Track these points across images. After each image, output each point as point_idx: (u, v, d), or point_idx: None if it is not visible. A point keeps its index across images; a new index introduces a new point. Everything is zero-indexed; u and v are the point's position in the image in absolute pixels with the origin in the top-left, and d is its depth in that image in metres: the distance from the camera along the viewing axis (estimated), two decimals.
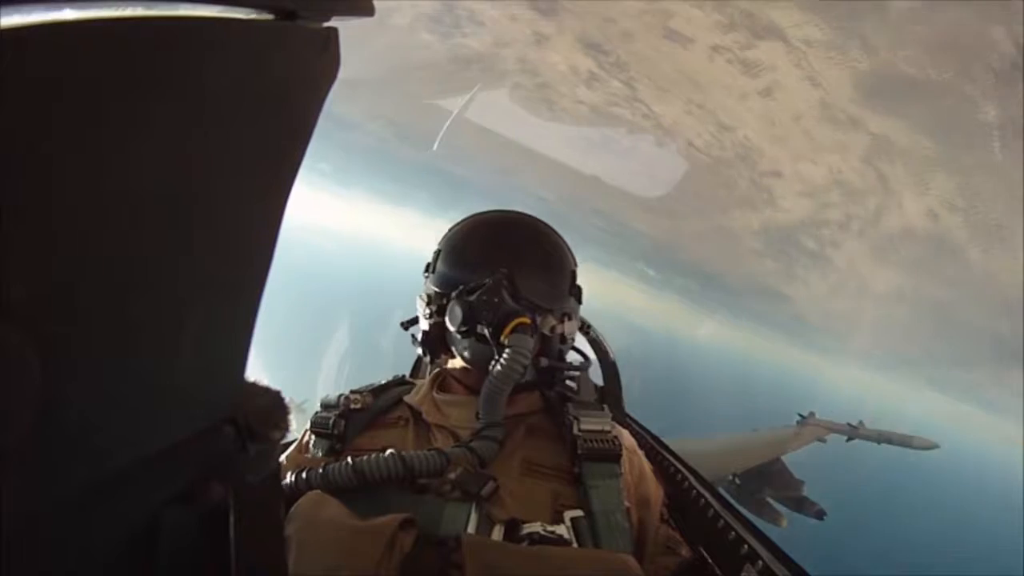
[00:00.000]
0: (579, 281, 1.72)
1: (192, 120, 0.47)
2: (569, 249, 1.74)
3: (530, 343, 1.43)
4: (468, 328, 1.48)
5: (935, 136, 11.69)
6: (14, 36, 0.35)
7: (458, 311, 1.49)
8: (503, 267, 1.51)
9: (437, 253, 1.70)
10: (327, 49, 0.60)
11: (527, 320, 1.45)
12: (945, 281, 18.88)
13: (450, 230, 1.73)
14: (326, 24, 0.60)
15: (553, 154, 18.75)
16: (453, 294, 1.53)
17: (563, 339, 1.62)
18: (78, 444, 0.43)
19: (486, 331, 1.45)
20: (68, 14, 0.39)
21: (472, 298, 1.48)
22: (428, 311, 1.63)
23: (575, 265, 1.73)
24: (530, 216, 1.74)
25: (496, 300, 1.45)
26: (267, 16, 0.54)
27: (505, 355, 1.41)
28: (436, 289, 1.62)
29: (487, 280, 1.48)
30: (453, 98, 16.37)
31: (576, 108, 15.31)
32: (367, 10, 0.66)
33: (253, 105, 0.53)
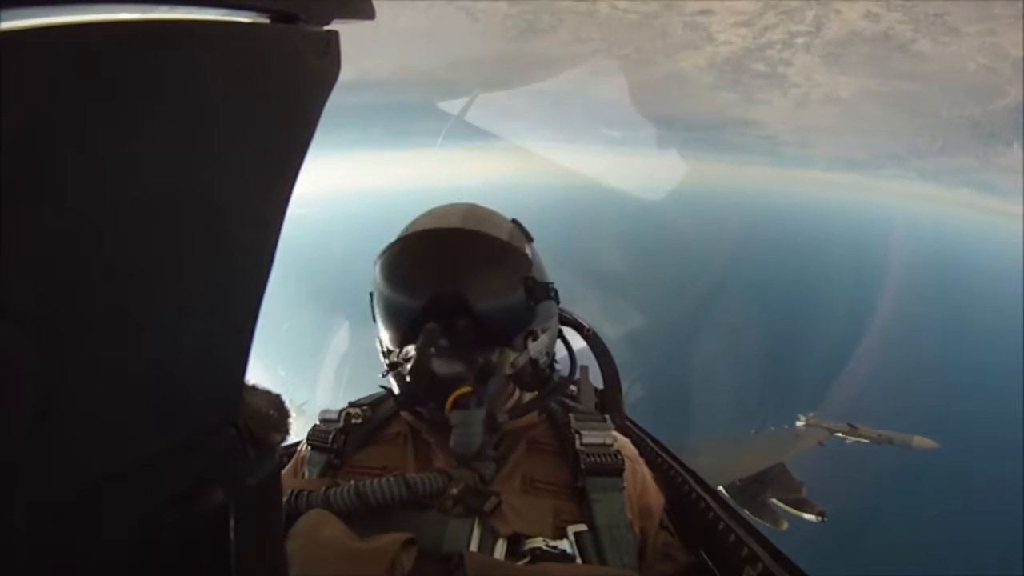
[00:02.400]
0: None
1: (193, 123, 0.47)
2: (519, 239, 1.53)
3: (475, 416, 1.32)
4: (411, 408, 1.45)
5: None
6: (15, 38, 0.35)
7: (395, 387, 1.42)
8: (435, 321, 1.33)
9: (371, 296, 1.52)
10: (327, 52, 0.60)
11: (467, 389, 1.31)
12: (905, 76, 18.94)
13: (376, 262, 1.49)
14: (326, 27, 0.60)
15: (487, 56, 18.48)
16: (385, 363, 1.46)
17: (535, 362, 1.47)
18: (78, 445, 0.43)
19: (427, 409, 1.41)
20: (69, 17, 0.39)
21: (406, 370, 1.33)
22: (385, 369, 1.50)
23: (533, 263, 1.50)
24: (467, 213, 1.50)
25: (430, 369, 1.29)
26: (267, 19, 0.55)
27: (453, 435, 1.33)
28: (382, 343, 1.50)
29: (415, 345, 1.32)
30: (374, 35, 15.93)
31: (494, 8, 14.90)
32: (367, 13, 0.66)
33: (254, 108, 0.54)
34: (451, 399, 1.30)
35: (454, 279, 1.38)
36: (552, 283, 1.55)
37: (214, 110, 0.49)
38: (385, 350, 1.48)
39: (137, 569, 0.50)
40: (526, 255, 1.50)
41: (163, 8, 0.46)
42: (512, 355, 1.42)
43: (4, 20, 0.35)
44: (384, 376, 1.49)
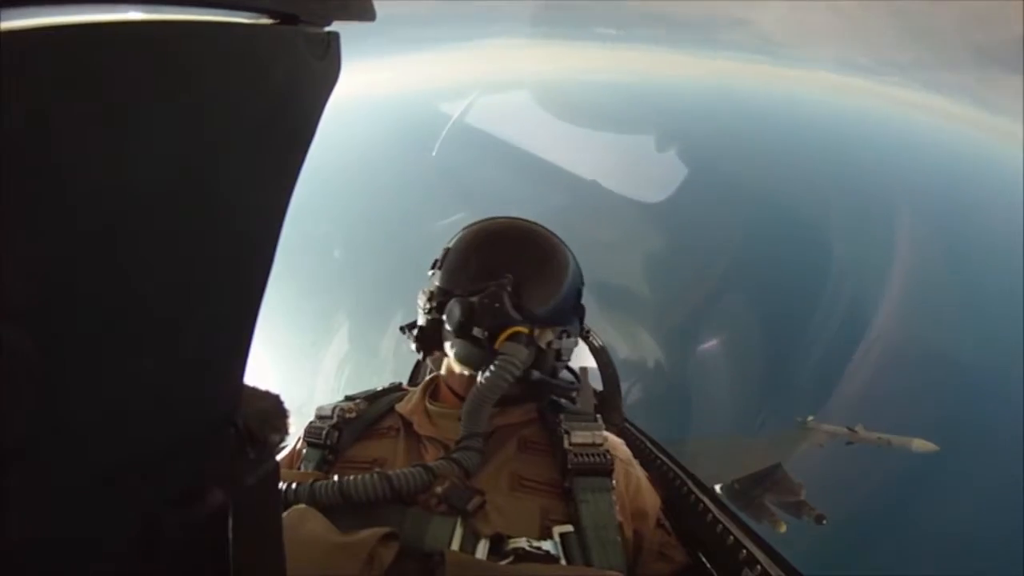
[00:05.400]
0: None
1: (193, 124, 0.47)
2: (578, 266, 1.72)
3: (523, 353, 1.42)
4: (464, 329, 1.46)
5: None
6: (17, 38, 0.35)
7: (457, 311, 1.47)
8: (511, 275, 1.50)
9: (447, 251, 1.67)
10: (328, 53, 0.61)
11: (524, 330, 1.44)
12: None
13: (463, 230, 1.70)
14: (327, 28, 0.61)
15: None
16: (456, 292, 1.52)
17: (558, 355, 1.61)
18: (77, 445, 0.43)
19: (482, 335, 1.45)
20: (70, 18, 0.39)
21: (474, 299, 1.46)
22: (428, 306, 1.62)
23: (582, 284, 1.72)
24: (544, 228, 1.72)
25: (497, 305, 1.44)
26: (268, 20, 0.55)
27: (496, 362, 1.40)
28: (440, 286, 1.62)
29: (491, 284, 1.47)
30: None
31: None
32: (367, 14, 0.66)
33: (254, 109, 0.54)
34: (509, 331, 1.43)
35: (533, 259, 1.60)
36: (584, 308, 1.73)
37: (215, 111, 0.49)
38: (445, 289, 1.60)
39: (137, 569, 0.50)
40: (581, 277, 1.72)
41: (164, 9, 0.46)
42: (551, 335, 1.56)
43: (4, 20, 0.35)
44: (427, 313, 1.61)
